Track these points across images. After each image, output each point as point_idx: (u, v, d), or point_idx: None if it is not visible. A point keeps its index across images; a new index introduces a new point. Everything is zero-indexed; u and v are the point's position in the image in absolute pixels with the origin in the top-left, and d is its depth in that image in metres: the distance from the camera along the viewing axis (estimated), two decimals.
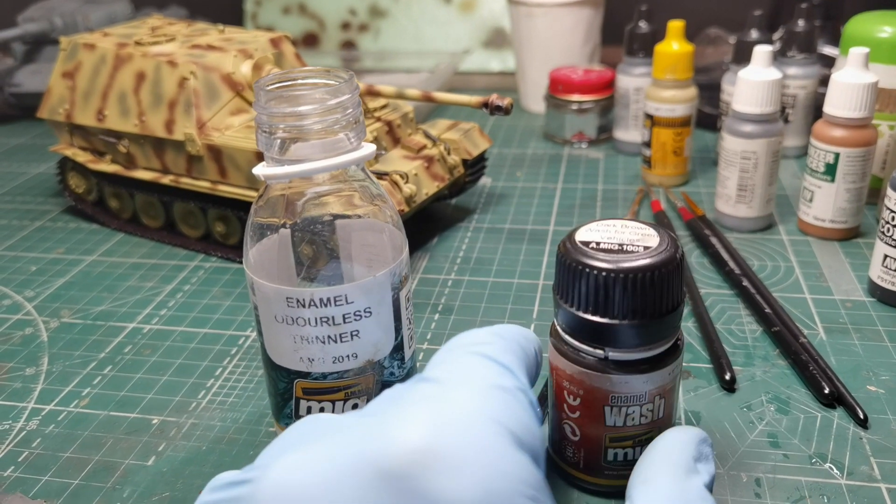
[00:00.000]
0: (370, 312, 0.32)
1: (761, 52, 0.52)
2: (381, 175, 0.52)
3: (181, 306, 0.50)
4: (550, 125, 0.74)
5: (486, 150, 0.60)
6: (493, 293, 0.50)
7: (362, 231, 0.33)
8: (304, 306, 0.31)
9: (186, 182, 0.54)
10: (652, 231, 0.32)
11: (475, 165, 0.60)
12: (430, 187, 0.54)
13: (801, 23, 0.64)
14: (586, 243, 0.31)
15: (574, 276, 0.31)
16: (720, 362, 0.41)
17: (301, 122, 0.30)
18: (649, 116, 0.63)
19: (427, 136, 0.57)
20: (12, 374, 0.44)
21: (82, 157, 0.58)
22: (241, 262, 0.55)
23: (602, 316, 0.31)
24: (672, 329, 0.31)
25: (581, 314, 0.31)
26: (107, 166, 0.58)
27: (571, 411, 0.33)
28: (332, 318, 0.32)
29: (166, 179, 0.55)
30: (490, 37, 0.98)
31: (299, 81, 0.32)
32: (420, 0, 1.00)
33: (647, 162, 0.64)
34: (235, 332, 0.47)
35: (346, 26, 1.03)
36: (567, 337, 0.32)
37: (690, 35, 0.76)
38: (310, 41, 1.05)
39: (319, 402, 0.34)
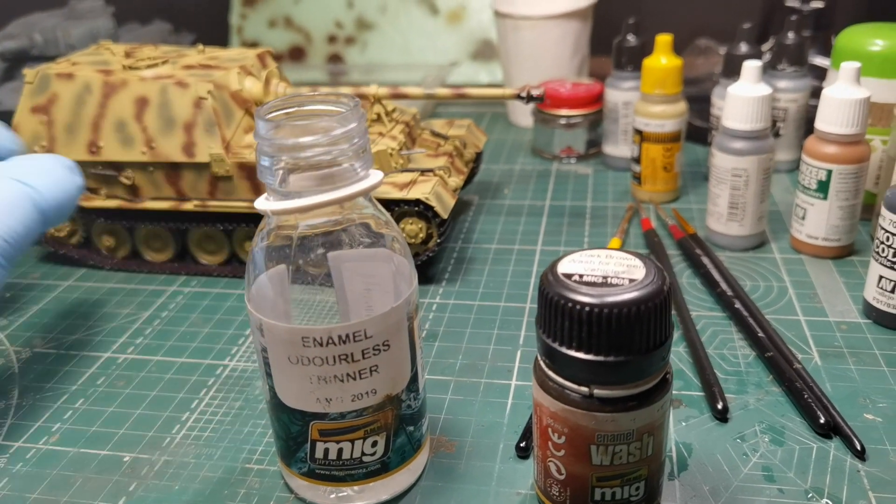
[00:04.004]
0: (388, 345, 0.32)
1: (750, 67, 0.51)
2: (425, 171, 0.52)
3: (158, 334, 0.49)
4: (538, 140, 0.73)
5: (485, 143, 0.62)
6: (479, 317, 0.48)
7: (365, 262, 0.32)
8: (321, 345, 0.30)
9: (215, 205, 0.52)
10: (638, 262, 0.31)
11: (475, 160, 0.61)
12: (458, 181, 0.54)
13: (790, 35, 0.63)
14: (569, 276, 0.30)
15: (556, 310, 0.29)
16: (712, 390, 0.40)
17: (306, 154, 0.29)
18: (638, 132, 0.61)
19: (435, 134, 0.58)
20: None
21: None
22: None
23: (586, 352, 0.29)
24: (660, 364, 0.30)
25: (564, 350, 0.30)
26: (103, 202, 0.54)
27: (556, 449, 0.32)
28: (351, 354, 0.31)
29: (189, 206, 0.53)
30: (478, 48, 0.97)
31: (302, 108, 0.31)
32: (407, 12, 0.99)
33: (637, 178, 0.63)
34: (213, 362, 0.45)
35: (332, 39, 1.02)
36: (550, 373, 0.31)
37: (680, 46, 0.75)
38: (296, 55, 1.03)
39: (338, 442, 0.32)
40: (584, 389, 0.30)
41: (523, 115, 0.81)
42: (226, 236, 0.54)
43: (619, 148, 0.69)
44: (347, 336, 0.31)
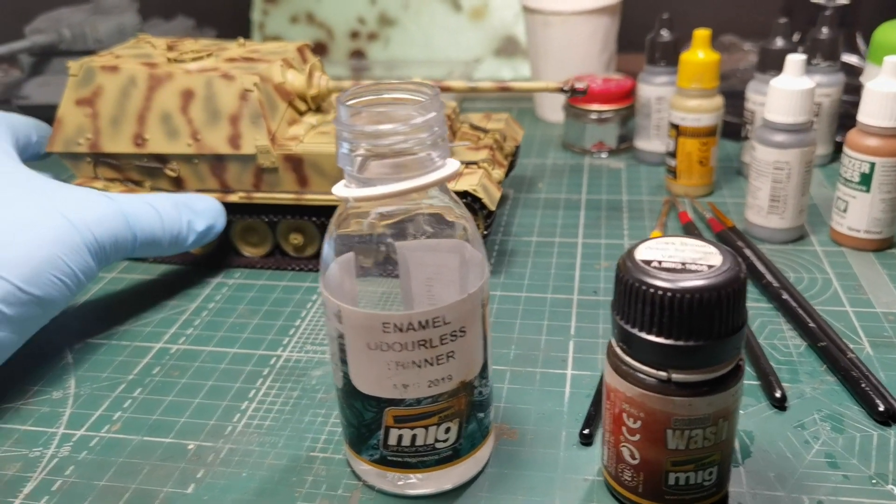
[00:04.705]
0: (464, 332, 0.32)
1: (794, 60, 0.52)
2: (469, 164, 0.52)
3: (207, 325, 0.49)
4: (569, 135, 0.74)
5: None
6: (528, 309, 0.49)
7: (433, 251, 0.33)
8: (401, 330, 0.31)
9: (260, 197, 0.53)
10: (713, 249, 0.31)
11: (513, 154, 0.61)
12: (500, 174, 0.54)
13: (825, 30, 0.63)
14: (647, 262, 0.30)
15: (636, 295, 0.30)
16: (769, 379, 0.40)
17: (385, 141, 0.29)
18: (675, 126, 0.62)
19: (475, 127, 0.58)
20: (39, 398, 0.43)
21: (116, 188, 0.54)
22: (312, 270, 0.55)
23: (666, 337, 0.30)
24: (737, 349, 0.31)
25: (644, 335, 0.30)
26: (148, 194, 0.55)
27: (631, 434, 0.32)
28: (430, 340, 0.31)
29: (234, 197, 0.53)
30: (501, 45, 0.97)
31: (382, 96, 0.32)
32: (430, 8, 0.99)
33: (672, 172, 0.63)
34: (266, 352, 0.46)
35: (354, 35, 1.02)
36: (627, 358, 0.31)
37: None
38: (318, 51, 1.04)
39: (412, 428, 0.33)
40: (663, 374, 0.30)
41: (551, 109, 0.81)
42: (269, 228, 0.54)
43: (651, 142, 0.69)
44: (427, 322, 0.31)
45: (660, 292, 0.29)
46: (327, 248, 0.33)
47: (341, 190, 0.31)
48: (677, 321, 0.29)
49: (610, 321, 0.47)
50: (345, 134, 0.30)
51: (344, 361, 0.33)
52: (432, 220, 0.32)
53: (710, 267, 0.30)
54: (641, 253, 0.31)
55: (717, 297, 0.29)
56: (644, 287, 0.29)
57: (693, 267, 0.30)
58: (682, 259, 0.30)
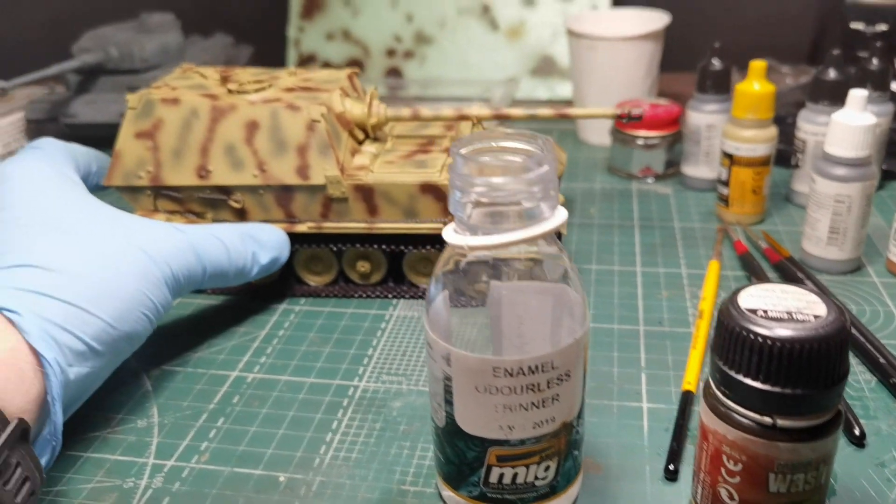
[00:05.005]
0: (569, 375, 0.33)
1: (857, 96, 0.52)
2: None
3: (279, 353, 0.50)
4: (616, 159, 0.74)
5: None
6: (596, 339, 0.50)
7: (534, 294, 0.33)
8: (511, 375, 0.32)
9: (330, 226, 0.53)
10: (815, 297, 0.32)
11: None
12: (561, 197, 0.54)
13: (875, 61, 0.64)
14: (753, 311, 0.31)
15: (743, 343, 0.30)
16: (846, 417, 0.41)
17: (499, 193, 0.30)
18: (728, 155, 0.63)
19: None
20: (124, 427, 0.43)
21: (177, 221, 0.54)
22: (378, 296, 0.55)
23: (773, 385, 0.30)
24: (840, 396, 0.31)
25: (749, 381, 0.31)
26: None
27: (730, 476, 0.33)
28: (538, 384, 0.32)
29: (302, 227, 0.53)
30: (538, 64, 0.98)
31: (495, 145, 0.32)
32: (466, 27, 1.00)
33: (724, 200, 0.64)
34: (343, 382, 0.46)
35: (391, 53, 1.03)
36: (730, 403, 0.32)
37: (741, 66, 0.76)
38: (354, 68, 1.04)
39: (514, 467, 0.34)
40: (767, 420, 0.31)
41: (593, 133, 0.82)
42: (335, 257, 0.55)
43: (699, 169, 0.70)
44: (537, 367, 0.32)
45: (769, 342, 0.30)
46: (433, 290, 0.33)
47: (454, 237, 0.32)
48: (786, 370, 0.30)
49: (675, 351, 0.48)
50: (457, 182, 0.31)
51: (449, 402, 0.33)
52: (534, 263, 0.33)
53: (816, 317, 0.31)
54: (745, 300, 0.32)
55: (827, 348, 0.30)
56: (752, 336, 0.30)
57: (800, 317, 0.31)
58: (786, 308, 0.31)
